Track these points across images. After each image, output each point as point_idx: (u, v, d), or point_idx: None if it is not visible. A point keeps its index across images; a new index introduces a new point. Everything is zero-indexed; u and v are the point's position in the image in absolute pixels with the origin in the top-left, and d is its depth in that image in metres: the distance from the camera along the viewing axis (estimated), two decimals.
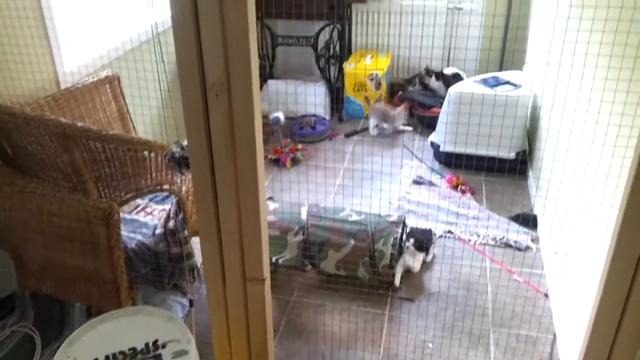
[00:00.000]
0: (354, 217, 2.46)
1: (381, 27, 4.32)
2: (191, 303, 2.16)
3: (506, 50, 4.15)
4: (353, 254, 2.36)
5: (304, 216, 2.45)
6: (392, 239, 2.36)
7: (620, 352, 1.50)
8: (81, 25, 2.73)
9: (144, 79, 1.95)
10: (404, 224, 2.50)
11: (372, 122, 3.84)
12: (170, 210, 2.12)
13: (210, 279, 1.64)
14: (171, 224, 2.09)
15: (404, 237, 2.53)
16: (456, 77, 3.87)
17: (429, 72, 4.13)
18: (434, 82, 4.08)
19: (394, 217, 2.48)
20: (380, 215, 2.49)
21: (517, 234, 2.81)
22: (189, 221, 2.13)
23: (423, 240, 2.56)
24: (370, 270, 2.37)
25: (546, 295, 2.43)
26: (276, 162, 3.55)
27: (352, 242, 2.36)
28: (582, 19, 2.25)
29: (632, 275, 1.41)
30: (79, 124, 1.82)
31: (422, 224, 2.89)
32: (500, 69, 4.12)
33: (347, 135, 3.91)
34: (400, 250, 2.47)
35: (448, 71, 4.01)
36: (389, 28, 4.32)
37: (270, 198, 2.72)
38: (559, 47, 2.66)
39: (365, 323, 2.32)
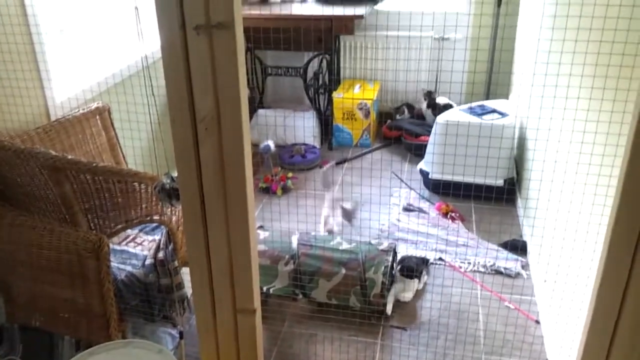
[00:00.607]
0: (345, 246, 2.46)
1: (369, 57, 4.39)
2: (181, 335, 2.14)
3: (492, 79, 4.23)
4: (344, 283, 2.36)
5: (294, 245, 2.45)
6: (383, 267, 2.36)
7: None
8: (72, 57, 2.76)
9: (134, 112, 1.97)
10: (395, 252, 2.51)
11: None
12: (160, 240, 2.11)
13: (201, 310, 1.63)
14: (161, 254, 2.09)
15: (395, 265, 2.53)
16: (446, 107, 3.92)
17: (430, 94, 4.19)
18: (425, 109, 4.14)
19: (384, 245, 2.49)
20: (370, 244, 2.49)
21: (507, 261, 2.83)
22: (179, 252, 2.12)
23: (414, 268, 2.56)
24: (361, 299, 2.37)
25: (537, 322, 2.43)
26: (267, 191, 3.56)
27: (343, 271, 2.36)
28: (563, 52, 2.31)
29: (620, 301, 1.42)
30: (69, 157, 1.83)
31: (414, 252, 2.89)
32: (487, 98, 4.19)
33: (338, 163, 3.93)
34: (391, 279, 2.47)
35: (441, 101, 4.07)
36: (375, 59, 4.39)
37: (261, 227, 2.72)
38: (541, 79, 2.72)
39: (357, 352, 2.30)
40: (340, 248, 2.45)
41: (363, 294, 2.35)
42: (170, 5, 1.27)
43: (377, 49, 4.37)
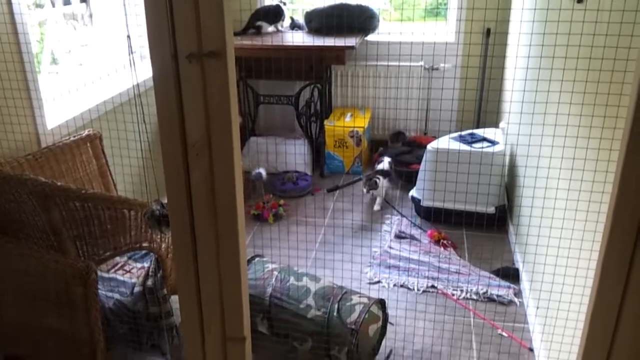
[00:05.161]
0: (312, 313, 2.27)
1: (360, 86, 4.44)
2: None
3: (482, 107, 4.28)
4: (314, 353, 2.27)
5: (267, 302, 2.32)
6: (345, 348, 2.20)
7: None
8: (63, 85, 2.77)
9: (125, 139, 1.97)
10: (357, 335, 2.23)
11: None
12: (149, 268, 2.09)
13: (190, 338, 1.60)
14: (150, 282, 2.06)
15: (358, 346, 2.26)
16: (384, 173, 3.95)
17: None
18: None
19: (355, 315, 2.24)
20: (339, 316, 2.26)
21: (500, 288, 2.82)
22: (168, 279, 2.10)
23: None
24: None
25: (530, 350, 2.41)
26: (258, 218, 3.55)
27: (310, 342, 2.26)
28: (551, 80, 2.35)
29: (613, 328, 1.41)
30: (58, 183, 1.82)
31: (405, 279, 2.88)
32: (477, 126, 4.23)
33: (329, 191, 3.94)
34: (359, 356, 2.26)
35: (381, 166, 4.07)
36: (367, 88, 4.44)
37: (259, 256, 2.64)
38: (530, 106, 2.76)
39: None
40: (308, 316, 2.26)
41: None
42: (162, 34, 1.29)
43: (368, 78, 4.42)
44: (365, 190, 3.62)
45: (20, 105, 2.27)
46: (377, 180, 3.59)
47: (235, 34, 4.24)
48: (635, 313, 1.37)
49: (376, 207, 3.59)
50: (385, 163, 3.83)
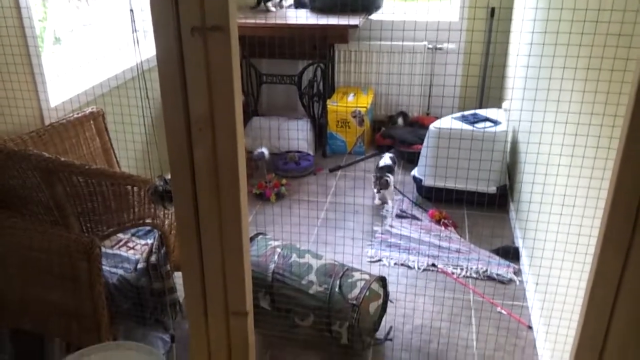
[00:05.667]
0: (314, 289, 2.29)
1: (363, 66, 4.42)
2: (172, 338, 2.13)
3: (485, 87, 4.26)
4: (315, 328, 2.30)
5: (270, 278, 2.34)
6: (347, 323, 2.23)
7: None
8: (67, 62, 2.77)
9: (128, 114, 1.97)
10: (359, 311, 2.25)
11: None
12: (152, 244, 2.11)
13: (193, 312, 1.62)
14: (153, 258, 2.08)
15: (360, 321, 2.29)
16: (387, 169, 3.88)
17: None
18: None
19: (356, 291, 2.26)
20: (341, 292, 2.28)
21: (499, 267, 2.84)
22: (172, 255, 2.12)
23: None
24: (334, 342, 2.30)
25: (529, 327, 2.44)
26: (260, 197, 3.56)
27: (312, 317, 2.28)
28: (555, 55, 2.34)
29: (611, 304, 1.43)
30: (62, 159, 1.83)
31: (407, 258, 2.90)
32: (480, 107, 4.22)
33: (331, 170, 3.94)
34: (360, 331, 2.29)
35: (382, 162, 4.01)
36: (370, 68, 4.42)
37: (261, 234, 2.66)
38: (533, 84, 2.75)
39: (350, 356, 2.30)
40: (310, 292, 2.28)
41: (335, 338, 2.29)
42: (166, 7, 1.28)
43: (371, 58, 4.39)
44: (376, 190, 3.45)
45: (23, 80, 2.27)
46: (388, 179, 3.43)
47: (251, 8, 4.27)
48: (634, 290, 1.39)
49: (376, 202, 3.51)
50: (386, 159, 3.67)
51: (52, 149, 2.26)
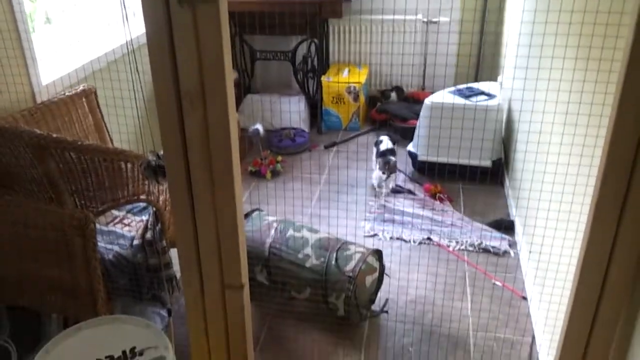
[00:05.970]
0: (310, 262, 2.31)
1: (357, 41, 4.38)
2: (169, 312, 2.15)
3: (481, 61, 4.24)
4: (312, 300, 2.33)
5: (267, 252, 2.37)
6: (343, 295, 2.26)
7: (594, 352, 1.53)
8: (58, 39, 2.74)
9: (119, 89, 1.96)
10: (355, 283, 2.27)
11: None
12: (147, 221, 2.11)
13: (189, 286, 1.64)
14: (149, 234, 2.09)
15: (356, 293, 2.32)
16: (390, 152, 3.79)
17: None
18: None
19: (352, 263, 2.28)
20: (337, 265, 2.29)
21: (494, 240, 2.85)
22: (167, 232, 2.12)
23: None
24: (331, 314, 2.34)
25: (524, 298, 2.46)
26: (256, 174, 3.56)
27: (308, 290, 2.31)
28: (548, 22, 2.32)
29: (603, 274, 1.45)
30: (54, 135, 1.82)
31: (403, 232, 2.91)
32: (476, 80, 4.20)
33: (327, 147, 3.94)
34: (356, 303, 2.31)
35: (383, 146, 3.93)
36: (365, 43, 4.38)
37: (258, 209, 2.67)
38: (525, 52, 2.73)
39: (347, 331, 2.33)
40: (306, 265, 2.30)
41: (330, 310, 2.32)
42: None
43: (366, 33, 4.35)
44: (383, 174, 3.28)
45: (13, 57, 2.24)
46: (395, 162, 3.33)
47: None
48: (624, 260, 1.40)
49: (376, 184, 3.44)
50: (387, 142, 3.52)
51: (45, 127, 2.24)
